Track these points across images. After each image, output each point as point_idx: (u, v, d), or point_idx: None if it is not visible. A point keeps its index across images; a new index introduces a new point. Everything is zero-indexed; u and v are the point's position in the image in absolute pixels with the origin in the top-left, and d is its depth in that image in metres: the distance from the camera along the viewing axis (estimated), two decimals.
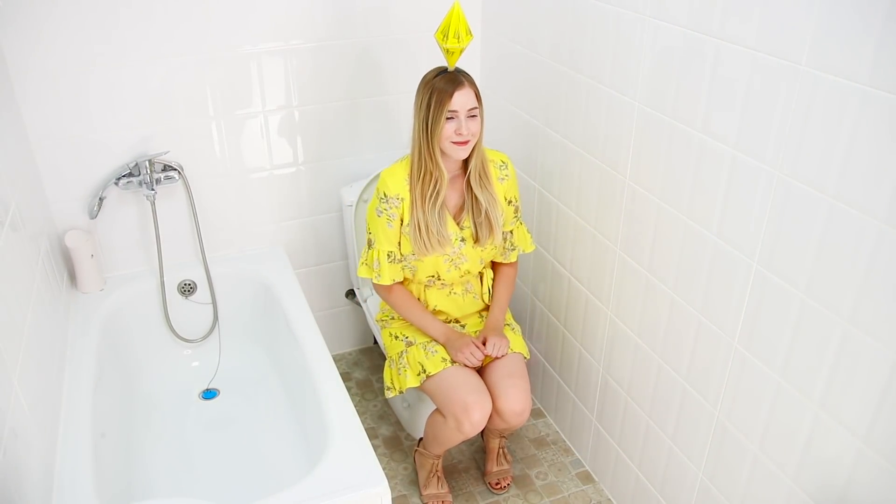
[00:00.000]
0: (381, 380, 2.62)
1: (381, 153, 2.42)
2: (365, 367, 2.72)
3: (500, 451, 2.22)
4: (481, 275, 2.08)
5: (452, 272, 1.98)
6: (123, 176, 2.08)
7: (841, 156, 1.20)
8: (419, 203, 1.86)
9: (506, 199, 1.97)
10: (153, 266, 2.26)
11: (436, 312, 2.04)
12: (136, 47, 1.98)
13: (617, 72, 1.74)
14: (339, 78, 2.27)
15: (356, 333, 2.79)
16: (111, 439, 1.83)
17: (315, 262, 2.56)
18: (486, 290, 2.08)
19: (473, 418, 1.84)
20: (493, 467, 2.22)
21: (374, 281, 1.98)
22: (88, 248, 2.11)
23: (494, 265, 2.11)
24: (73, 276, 2.18)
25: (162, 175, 2.12)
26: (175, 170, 2.14)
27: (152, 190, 2.10)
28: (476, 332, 2.05)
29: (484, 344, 1.95)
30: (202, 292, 2.32)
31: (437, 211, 1.87)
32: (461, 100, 1.76)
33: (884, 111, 1.11)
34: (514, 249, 2.06)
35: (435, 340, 1.98)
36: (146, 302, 2.25)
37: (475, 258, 1.98)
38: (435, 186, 1.85)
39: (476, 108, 1.79)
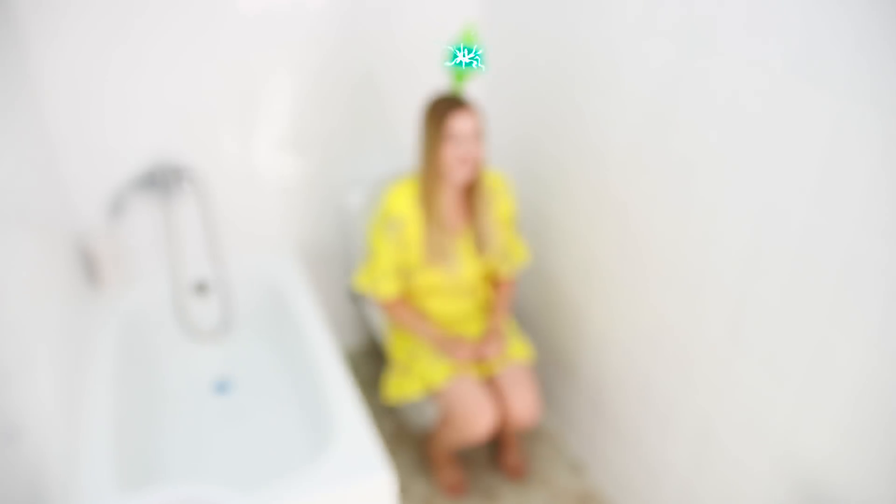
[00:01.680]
0: (384, 377, 2.66)
1: (383, 160, 2.48)
2: (368, 365, 2.75)
3: (512, 441, 2.25)
4: (480, 287, 2.12)
5: (451, 284, 2.03)
6: (142, 181, 2.15)
7: (823, 163, 1.24)
8: (424, 220, 1.92)
9: (503, 216, 2.03)
10: (170, 267, 2.32)
11: (435, 324, 2.08)
12: (153, 58, 2.06)
13: (611, 87, 1.78)
14: (344, 89, 2.33)
15: (359, 334, 2.82)
16: (130, 432, 1.88)
17: (320, 264, 2.60)
18: (484, 301, 2.13)
19: (479, 430, 1.89)
20: (506, 458, 2.24)
21: (373, 293, 2.03)
22: (109, 249, 2.16)
23: (493, 276, 2.16)
24: (93, 277, 2.24)
25: (178, 181, 2.19)
26: (190, 176, 2.21)
27: (169, 195, 2.17)
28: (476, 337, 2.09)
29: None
30: (216, 292, 2.39)
31: (440, 229, 1.92)
32: (464, 127, 1.81)
33: (871, 122, 1.15)
34: (511, 262, 2.11)
35: (431, 344, 2.01)
36: (163, 301, 2.31)
37: (475, 271, 2.04)
38: (439, 206, 1.91)
39: (479, 132, 1.85)
